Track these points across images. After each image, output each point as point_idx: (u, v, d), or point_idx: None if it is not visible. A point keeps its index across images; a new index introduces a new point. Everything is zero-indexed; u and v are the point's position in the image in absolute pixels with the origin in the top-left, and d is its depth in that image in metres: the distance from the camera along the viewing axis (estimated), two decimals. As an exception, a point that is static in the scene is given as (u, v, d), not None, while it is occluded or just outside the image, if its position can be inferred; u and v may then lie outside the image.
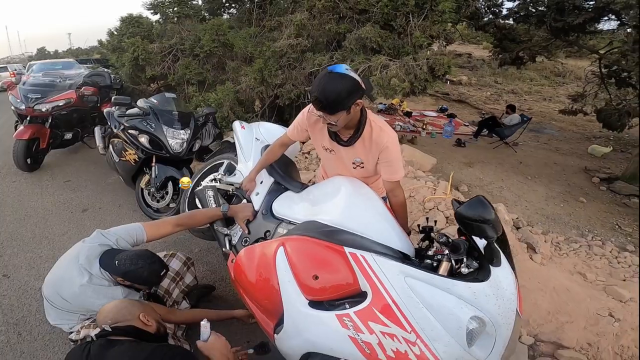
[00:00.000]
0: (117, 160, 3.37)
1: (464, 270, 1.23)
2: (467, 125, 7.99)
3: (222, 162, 2.37)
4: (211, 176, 2.48)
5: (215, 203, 2.04)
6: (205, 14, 7.04)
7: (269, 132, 2.34)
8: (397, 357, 1.13)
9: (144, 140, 3.08)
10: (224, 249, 1.88)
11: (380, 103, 8.77)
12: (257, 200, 1.95)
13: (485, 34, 8.07)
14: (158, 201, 3.28)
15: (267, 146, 2.20)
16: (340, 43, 4.90)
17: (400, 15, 4.16)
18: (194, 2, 6.16)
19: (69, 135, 4.82)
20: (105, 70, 6.83)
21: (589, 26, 5.98)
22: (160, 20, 6.00)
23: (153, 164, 3.18)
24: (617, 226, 4.04)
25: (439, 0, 3.99)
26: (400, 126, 7.28)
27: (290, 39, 4.63)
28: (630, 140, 7.53)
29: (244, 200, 2.03)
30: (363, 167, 1.74)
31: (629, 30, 4.78)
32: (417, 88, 3.96)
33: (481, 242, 1.26)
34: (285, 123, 2.69)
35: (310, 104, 1.76)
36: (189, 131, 3.20)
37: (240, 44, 5.44)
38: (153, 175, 3.16)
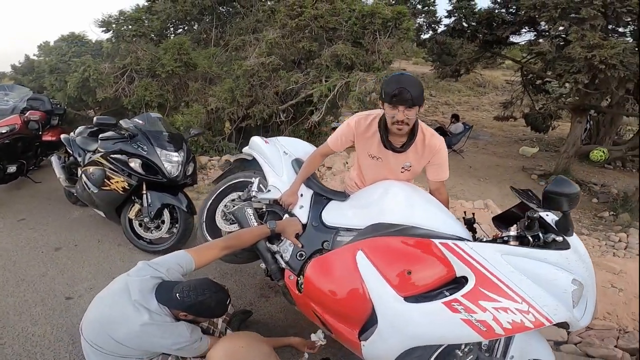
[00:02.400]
0: (95, 192, 3.00)
1: (549, 240, 1.36)
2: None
3: (249, 181, 2.27)
4: (232, 195, 2.37)
5: (256, 221, 1.97)
6: (152, 35, 6.71)
7: (292, 145, 2.32)
8: (514, 327, 1.23)
9: (135, 165, 2.81)
10: (281, 266, 1.81)
11: (334, 121, 9.03)
12: (303, 213, 1.92)
13: (422, 50, 8.89)
14: (152, 232, 3.01)
15: (296, 159, 2.19)
16: (309, 60, 5.06)
17: (368, 33, 4.47)
18: (147, 22, 5.85)
19: (12, 169, 4.17)
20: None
21: (511, 38, 6.96)
22: (112, 39, 5.58)
23: (144, 192, 2.91)
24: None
25: (402, 19, 4.38)
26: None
27: (262, 58, 4.66)
28: (550, 140, 8.81)
29: (286, 215, 1.99)
30: (410, 171, 1.86)
31: (551, 40, 5.57)
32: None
33: (548, 218, 1.43)
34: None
35: (354, 116, 1.85)
36: (182, 153, 2.99)
37: (203, 63, 5.30)
38: (145, 204, 2.89)
